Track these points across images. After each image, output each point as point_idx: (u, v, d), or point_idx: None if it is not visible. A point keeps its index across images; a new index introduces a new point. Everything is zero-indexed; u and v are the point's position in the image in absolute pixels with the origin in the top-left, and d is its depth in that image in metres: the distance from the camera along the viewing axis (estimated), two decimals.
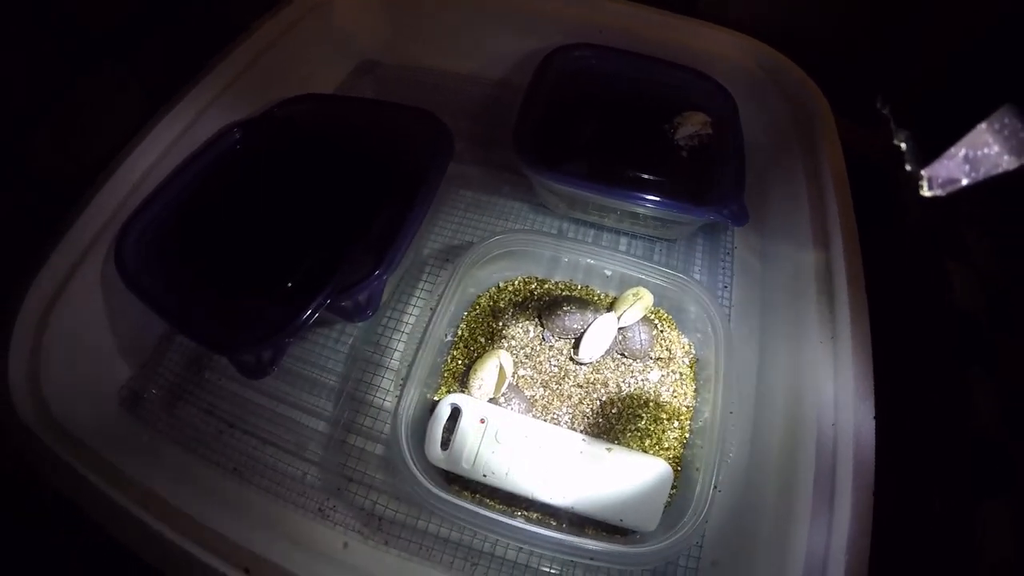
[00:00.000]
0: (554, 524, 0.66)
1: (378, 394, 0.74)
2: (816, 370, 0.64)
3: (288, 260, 0.71)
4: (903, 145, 0.42)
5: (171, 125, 0.76)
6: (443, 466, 0.65)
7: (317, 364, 0.77)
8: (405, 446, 0.61)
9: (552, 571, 0.65)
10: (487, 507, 0.65)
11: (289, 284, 0.68)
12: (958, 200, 0.47)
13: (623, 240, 0.87)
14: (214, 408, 0.73)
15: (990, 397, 0.66)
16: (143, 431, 0.71)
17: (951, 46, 0.54)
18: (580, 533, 0.65)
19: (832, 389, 0.62)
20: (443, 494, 0.59)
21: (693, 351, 0.76)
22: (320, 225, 0.75)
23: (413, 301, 0.81)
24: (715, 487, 0.60)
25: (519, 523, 0.58)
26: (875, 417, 0.58)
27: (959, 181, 0.39)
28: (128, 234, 0.69)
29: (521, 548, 0.65)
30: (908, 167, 0.41)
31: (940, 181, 0.40)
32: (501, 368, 0.69)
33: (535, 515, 0.66)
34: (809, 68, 0.87)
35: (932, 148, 0.40)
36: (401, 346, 0.77)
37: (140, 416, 0.72)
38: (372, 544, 0.65)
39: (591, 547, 0.58)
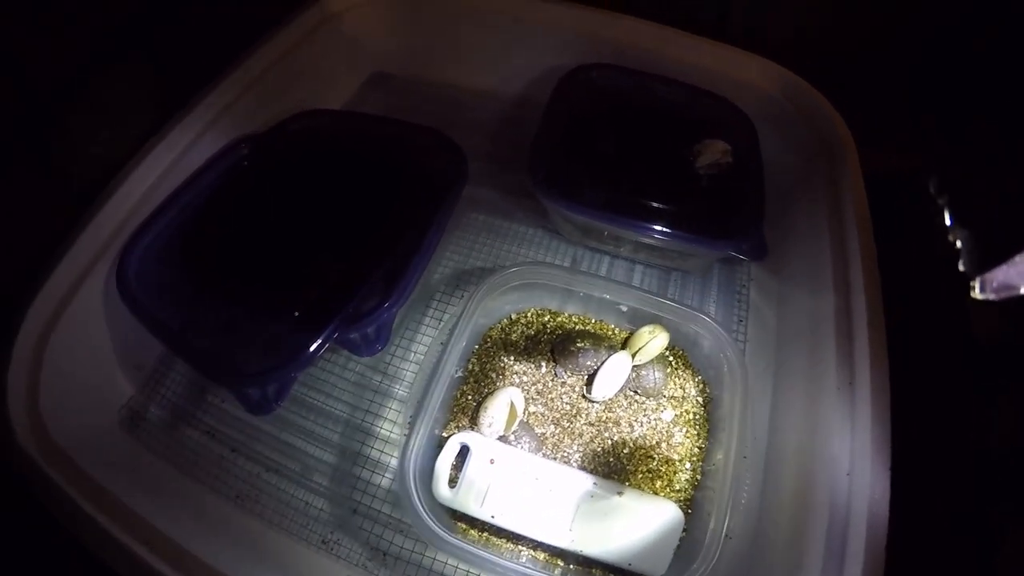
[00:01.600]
0: (561, 566, 0.65)
1: (384, 425, 0.73)
2: (831, 416, 0.62)
3: (295, 286, 0.69)
4: (959, 243, 0.41)
5: (178, 139, 0.74)
6: (450, 505, 0.64)
7: (323, 391, 0.75)
8: (412, 485, 0.60)
9: None
10: (493, 547, 0.65)
11: (296, 313, 0.66)
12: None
13: (638, 269, 0.86)
14: (216, 432, 0.72)
15: (1012, 435, 0.65)
16: (143, 453, 0.70)
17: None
18: (589, 574, 0.65)
19: (849, 439, 0.60)
20: (447, 535, 0.58)
21: (708, 390, 0.74)
22: (328, 249, 0.72)
23: (423, 329, 0.79)
24: (726, 535, 0.59)
25: (523, 568, 0.57)
26: (891, 468, 0.57)
27: (1017, 288, 0.38)
28: (130, 253, 0.68)
29: None
30: (961, 267, 0.40)
31: (995, 286, 0.38)
32: (512, 406, 0.68)
33: (543, 555, 0.65)
34: (835, 92, 0.85)
35: (991, 250, 0.38)
36: (409, 376, 0.75)
37: (140, 438, 0.71)
38: None
39: None
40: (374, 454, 0.71)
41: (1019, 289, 0.37)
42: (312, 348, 0.61)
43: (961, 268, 0.41)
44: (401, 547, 0.65)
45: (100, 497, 0.58)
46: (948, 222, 0.44)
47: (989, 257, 0.39)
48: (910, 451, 0.59)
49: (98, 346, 0.70)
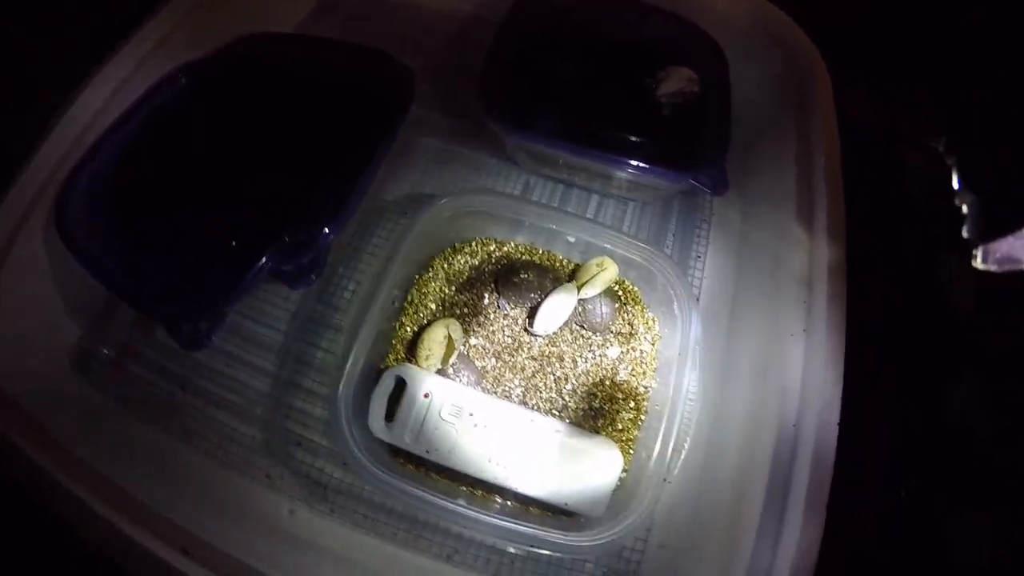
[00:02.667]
0: (499, 503, 0.64)
1: (326, 357, 0.70)
2: (785, 363, 0.61)
3: (231, 218, 0.65)
4: (964, 208, 0.39)
5: (114, 72, 0.71)
6: (386, 439, 0.62)
7: (266, 323, 0.72)
8: (343, 418, 0.58)
9: (496, 544, 0.63)
10: (430, 483, 0.63)
11: (233, 243, 0.63)
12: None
13: (594, 199, 0.82)
14: (165, 369, 0.70)
15: (979, 405, 0.64)
16: (93, 394, 0.68)
17: None
18: (524, 513, 0.63)
19: (799, 388, 0.59)
20: (379, 471, 0.57)
21: (657, 328, 0.71)
22: (267, 178, 0.68)
23: (365, 258, 0.76)
24: (665, 479, 0.58)
25: (456, 506, 0.56)
26: (839, 423, 0.55)
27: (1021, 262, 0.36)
28: (67, 194, 0.65)
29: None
30: (966, 233, 0.38)
31: (998, 257, 0.36)
32: (449, 339, 0.66)
33: (480, 492, 0.64)
34: (811, 25, 0.81)
35: (1001, 219, 0.36)
36: (349, 306, 0.73)
37: (90, 378, 0.69)
38: (318, 512, 0.63)
39: (530, 533, 0.55)
40: (315, 386, 0.69)
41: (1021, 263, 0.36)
42: (240, 284, 0.59)
43: (965, 235, 0.39)
44: (341, 480, 0.65)
45: (45, 442, 0.58)
46: (956, 185, 0.43)
47: (995, 227, 0.37)
48: (860, 410, 0.58)
49: (43, 288, 0.68)
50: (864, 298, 0.63)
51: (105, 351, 0.71)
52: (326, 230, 0.62)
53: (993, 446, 0.66)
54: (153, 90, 0.72)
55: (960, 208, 0.42)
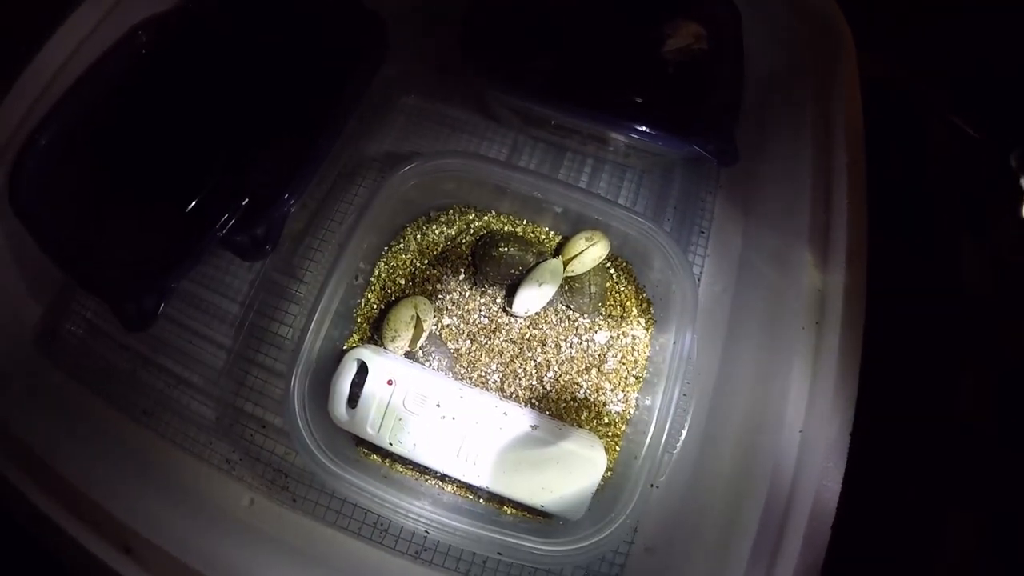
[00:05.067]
0: (470, 499, 0.60)
1: (291, 333, 0.66)
2: (791, 360, 0.56)
3: (185, 185, 0.62)
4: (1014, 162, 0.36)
5: (73, 30, 0.67)
6: (347, 428, 0.58)
7: (226, 295, 0.69)
8: (296, 407, 0.54)
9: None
10: (396, 475, 0.59)
11: (186, 211, 0.60)
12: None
13: (588, 164, 0.76)
14: (129, 346, 0.67)
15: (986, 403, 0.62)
16: (54, 374, 0.66)
17: None
18: (497, 513, 0.59)
19: (807, 389, 0.54)
20: (331, 464, 0.53)
21: (652, 311, 0.65)
22: (225, 141, 0.65)
23: (333, 227, 0.71)
24: (652, 485, 0.53)
25: (420, 508, 0.52)
26: (851, 434, 0.50)
27: None
28: (20, 164, 0.62)
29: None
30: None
31: None
32: (417, 319, 0.60)
33: (450, 487, 0.60)
34: None
35: None
36: (312, 278, 0.68)
37: (54, 356, 0.67)
38: (278, 502, 0.61)
39: (501, 541, 0.52)
40: (278, 366, 0.65)
41: None
42: (188, 255, 0.58)
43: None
44: (303, 470, 0.62)
45: None
46: None
47: None
48: (877, 414, 0.54)
49: (2, 263, 0.65)
50: (876, 277, 0.58)
51: (70, 327, 0.68)
52: (286, 196, 0.59)
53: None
54: (112, 49, 0.68)
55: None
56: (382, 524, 0.59)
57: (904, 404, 0.66)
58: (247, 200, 0.59)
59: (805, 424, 0.52)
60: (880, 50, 0.73)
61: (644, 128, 0.64)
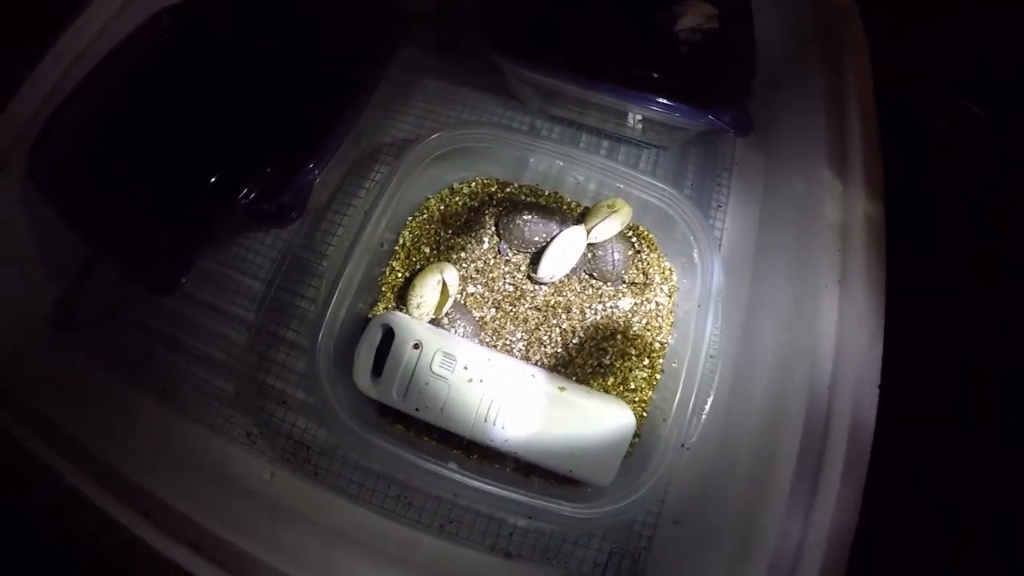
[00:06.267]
0: (497, 467, 0.59)
1: (312, 307, 0.66)
2: (816, 318, 0.55)
3: (212, 158, 0.63)
4: None
5: (96, 14, 0.67)
6: (372, 395, 0.57)
7: (250, 272, 0.69)
8: (323, 372, 0.54)
9: (493, 514, 0.59)
10: (420, 445, 0.59)
11: (212, 180, 0.61)
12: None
13: (606, 143, 0.76)
14: (148, 325, 0.67)
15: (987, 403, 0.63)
16: (75, 354, 0.66)
17: None
18: (524, 480, 0.58)
19: (833, 345, 0.53)
20: (359, 429, 0.52)
21: (674, 278, 0.65)
22: (251, 117, 0.66)
23: (356, 203, 0.71)
24: (683, 445, 0.52)
25: (447, 470, 0.51)
26: (879, 386, 0.50)
27: None
28: (46, 141, 0.62)
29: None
30: None
31: None
32: (444, 285, 0.60)
33: (475, 456, 0.59)
34: None
35: None
36: (335, 252, 0.67)
37: (72, 337, 0.67)
38: (300, 476, 0.60)
39: (529, 503, 0.51)
40: (300, 339, 0.65)
41: None
42: (217, 221, 0.59)
43: None
44: (325, 442, 0.61)
45: (17, 409, 0.55)
46: None
47: None
48: (902, 368, 0.53)
49: (21, 243, 0.64)
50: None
51: (88, 308, 0.68)
52: (310, 165, 0.60)
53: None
54: (136, 33, 0.69)
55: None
56: (406, 497, 0.58)
57: (904, 404, 0.66)
58: (271, 169, 0.60)
59: (832, 379, 0.52)
60: (880, 50, 0.73)
61: (663, 99, 0.64)
